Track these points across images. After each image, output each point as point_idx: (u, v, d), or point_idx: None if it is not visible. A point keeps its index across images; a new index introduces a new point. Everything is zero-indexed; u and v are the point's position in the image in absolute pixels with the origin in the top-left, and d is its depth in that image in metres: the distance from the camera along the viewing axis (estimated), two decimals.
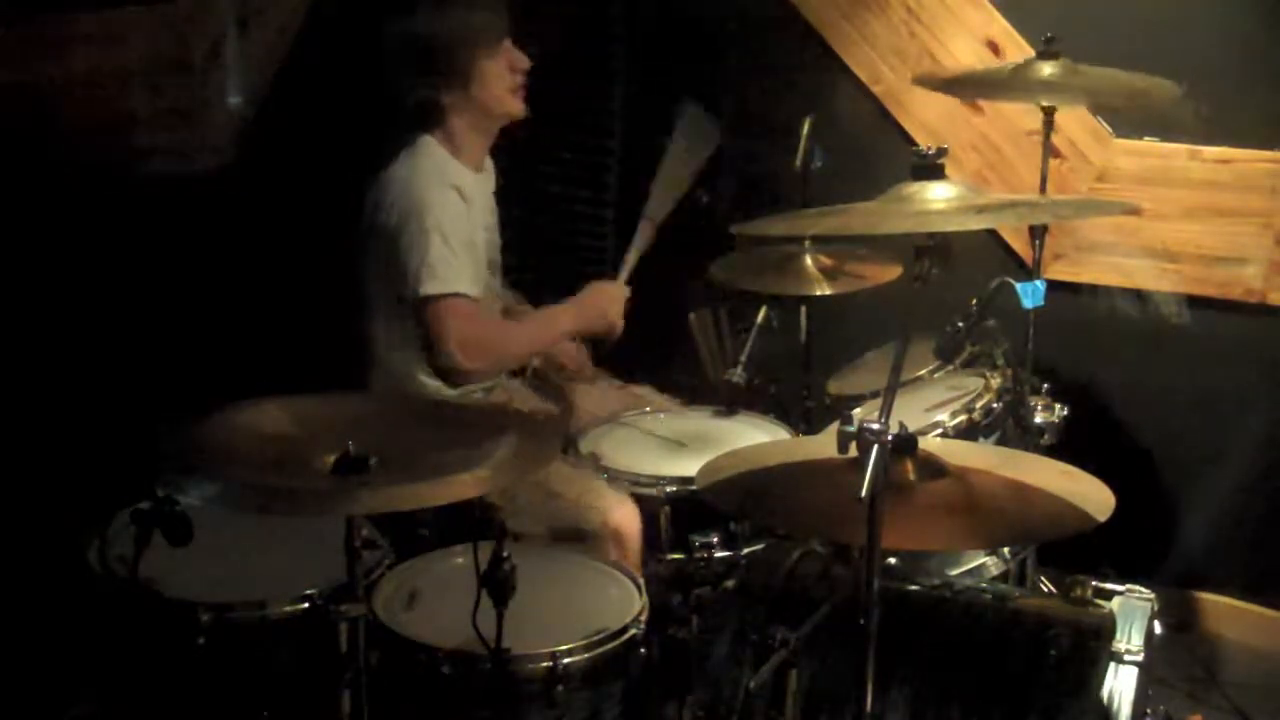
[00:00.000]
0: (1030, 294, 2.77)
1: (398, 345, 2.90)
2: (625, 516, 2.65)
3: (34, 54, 3.17)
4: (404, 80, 2.90)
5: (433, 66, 2.86)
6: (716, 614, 2.29)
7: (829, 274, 3.17)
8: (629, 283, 3.07)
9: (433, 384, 2.91)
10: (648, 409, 3.14)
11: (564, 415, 3.11)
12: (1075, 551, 2.42)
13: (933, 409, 2.74)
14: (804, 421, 3.21)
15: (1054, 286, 3.03)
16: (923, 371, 2.97)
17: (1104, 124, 3.46)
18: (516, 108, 2.94)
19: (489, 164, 3.06)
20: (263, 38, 3.73)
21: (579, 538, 2.63)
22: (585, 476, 2.77)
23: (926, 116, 3.62)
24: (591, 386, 3.24)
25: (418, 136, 2.89)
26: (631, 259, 3.11)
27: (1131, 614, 2.18)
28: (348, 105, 3.64)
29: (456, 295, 2.76)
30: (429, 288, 2.74)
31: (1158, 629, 2.20)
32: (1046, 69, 2.89)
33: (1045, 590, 2.92)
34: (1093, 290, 3.53)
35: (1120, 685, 2.08)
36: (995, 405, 2.72)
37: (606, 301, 3.01)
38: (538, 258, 3.78)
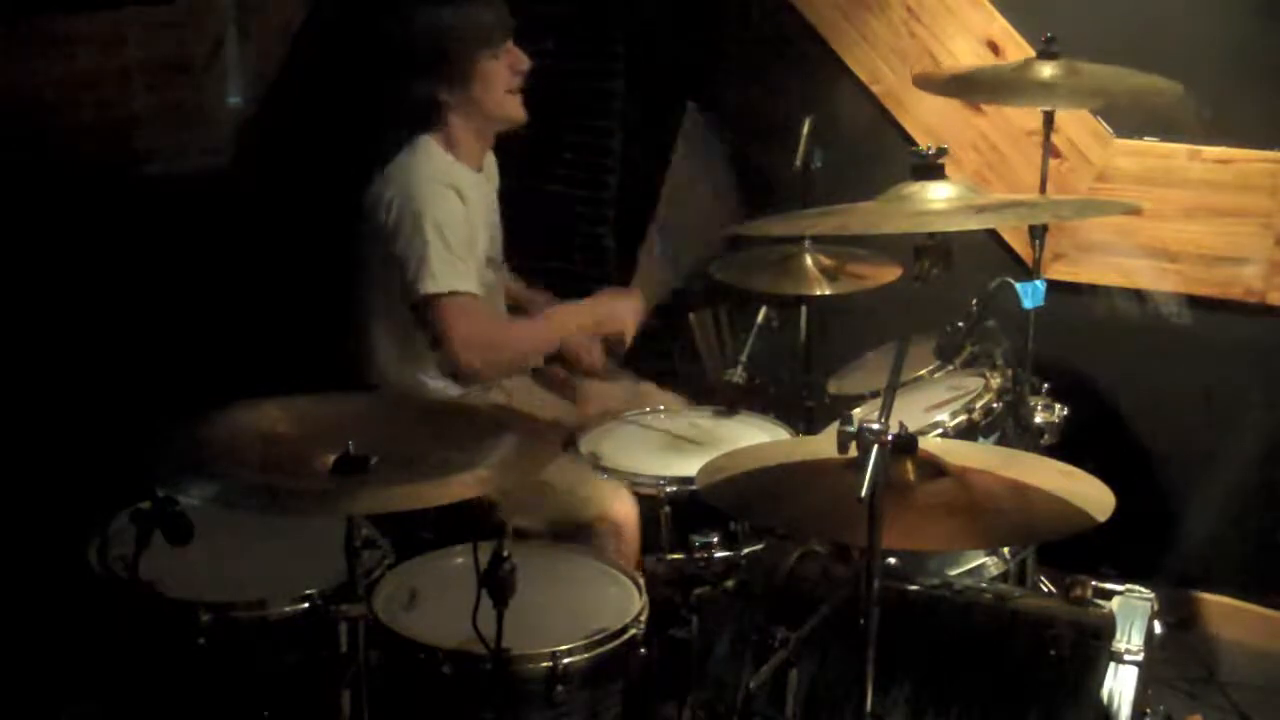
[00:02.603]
0: (1030, 294, 2.77)
1: (396, 347, 2.89)
2: (622, 508, 2.65)
3: (34, 54, 3.18)
4: (405, 79, 2.87)
5: (434, 65, 2.84)
6: (716, 614, 2.29)
7: (829, 274, 3.17)
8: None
9: (434, 385, 2.90)
10: (648, 409, 3.13)
11: (570, 409, 3.10)
12: (1075, 551, 2.42)
13: (933, 409, 2.74)
14: (804, 421, 3.21)
15: (1054, 286, 3.02)
16: (923, 371, 2.96)
17: (1104, 124, 3.45)
18: (517, 112, 2.92)
19: (490, 162, 3.05)
20: (263, 38, 3.73)
21: (576, 530, 2.61)
22: (581, 469, 2.75)
23: (926, 116, 3.62)
24: (603, 383, 3.21)
25: (417, 137, 2.87)
26: (642, 265, 3.06)
27: (1131, 614, 2.18)
28: (348, 105, 3.64)
29: (457, 294, 2.73)
30: (429, 287, 2.71)
31: (1158, 629, 2.20)
32: (1047, 69, 2.89)
33: (1045, 590, 2.91)
34: (1093, 290, 3.52)
35: (1120, 685, 2.09)
36: (995, 405, 2.72)
37: (620, 307, 2.98)
38: (538, 258, 3.78)
